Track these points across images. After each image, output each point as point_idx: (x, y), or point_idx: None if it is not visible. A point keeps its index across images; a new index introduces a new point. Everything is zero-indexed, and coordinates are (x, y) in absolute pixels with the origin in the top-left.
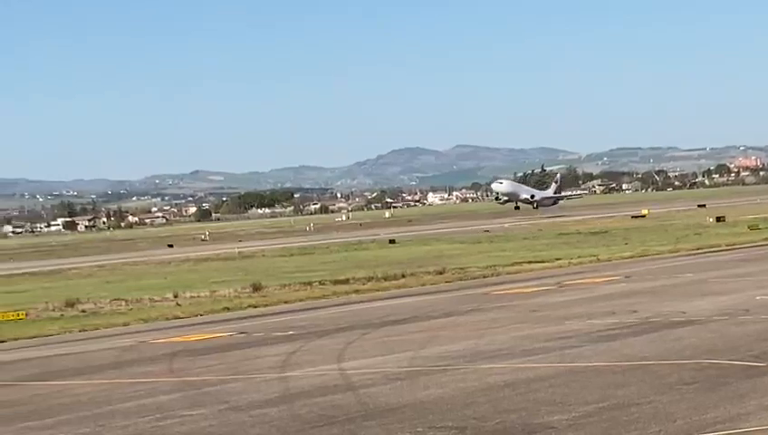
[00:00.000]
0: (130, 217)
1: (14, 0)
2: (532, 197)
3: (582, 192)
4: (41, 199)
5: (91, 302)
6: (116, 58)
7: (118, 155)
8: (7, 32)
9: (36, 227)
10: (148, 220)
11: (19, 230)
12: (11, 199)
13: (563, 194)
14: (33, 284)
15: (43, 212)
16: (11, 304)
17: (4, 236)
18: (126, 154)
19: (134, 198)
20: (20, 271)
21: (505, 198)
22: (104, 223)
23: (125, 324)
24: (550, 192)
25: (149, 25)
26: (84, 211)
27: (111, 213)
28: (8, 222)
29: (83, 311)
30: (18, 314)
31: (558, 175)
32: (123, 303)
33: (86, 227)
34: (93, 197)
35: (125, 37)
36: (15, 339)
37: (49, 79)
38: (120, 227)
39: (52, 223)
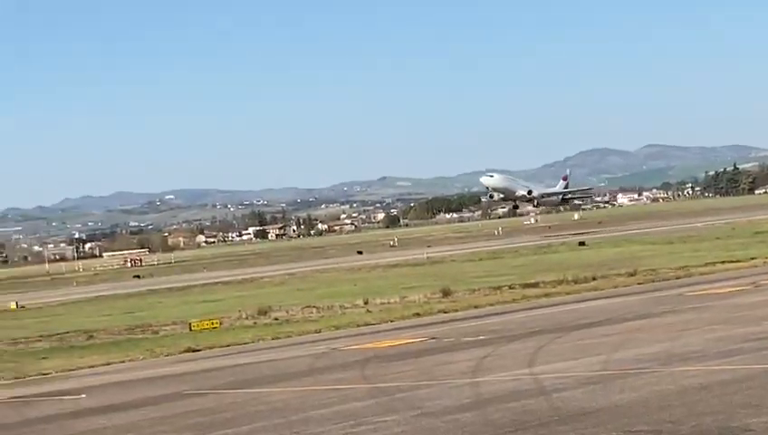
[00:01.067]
0: (320, 225)
1: (214, 9)
2: (530, 193)
3: (587, 188)
4: (232, 209)
5: (283, 310)
6: (302, 66)
7: (306, 163)
8: (203, 44)
9: (228, 237)
10: (337, 227)
11: (212, 240)
12: (203, 210)
13: (565, 191)
14: (226, 293)
15: (234, 222)
16: (206, 313)
17: (198, 245)
18: (314, 162)
19: (323, 206)
20: (213, 280)
21: (500, 196)
22: (294, 231)
23: (317, 331)
24: (558, 188)
25: (334, 32)
26: (274, 220)
27: (301, 221)
28: (201, 232)
29: (276, 319)
30: (213, 323)
31: (568, 171)
32: (315, 310)
33: (277, 235)
34: (283, 205)
35: (314, 44)
36: (210, 347)
37: (239, 90)
38: (309, 234)
39: (244, 232)
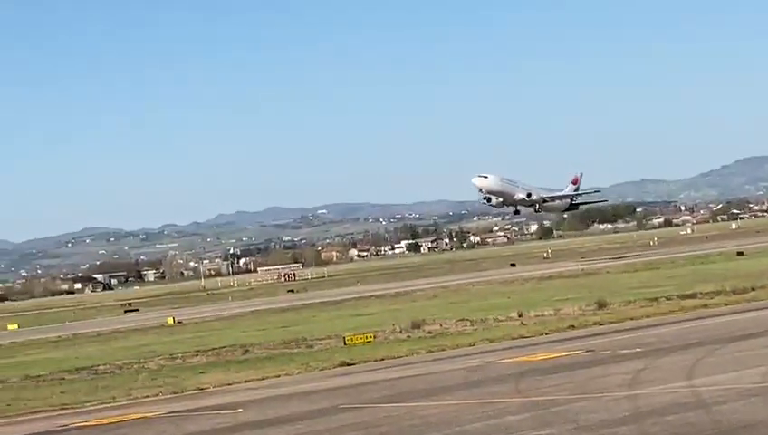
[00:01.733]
0: (472, 237)
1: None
2: (529, 196)
3: (595, 191)
4: (384, 223)
5: (437, 323)
6: (455, 79)
7: (457, 176)
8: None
9: (381, 250)
10: (489, 240)
11: (364, 254)
12: (356, 224)
13: (573, 194)
14: (379, 306)
15: (386, 235)
16: (359, 327)
17: (350, 259)
18: (466, 174)
19: (475, 218)
20: (367, 294)
21: (499, 199)
22: (446, 244)
23: (471, 345)
24: (567, 191)
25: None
26: (426, 233)
27: (453, 234)
28: (353, 246)
29: (429, 332)
30: (367, 337)
31: (579, 173)
32: (468, 323)
33: (429, 248)
34: (435, 218)
35: (461, 58)
36: (365, 361)
37: (391, 105)
38: (461, 247)
39: (396, 245)
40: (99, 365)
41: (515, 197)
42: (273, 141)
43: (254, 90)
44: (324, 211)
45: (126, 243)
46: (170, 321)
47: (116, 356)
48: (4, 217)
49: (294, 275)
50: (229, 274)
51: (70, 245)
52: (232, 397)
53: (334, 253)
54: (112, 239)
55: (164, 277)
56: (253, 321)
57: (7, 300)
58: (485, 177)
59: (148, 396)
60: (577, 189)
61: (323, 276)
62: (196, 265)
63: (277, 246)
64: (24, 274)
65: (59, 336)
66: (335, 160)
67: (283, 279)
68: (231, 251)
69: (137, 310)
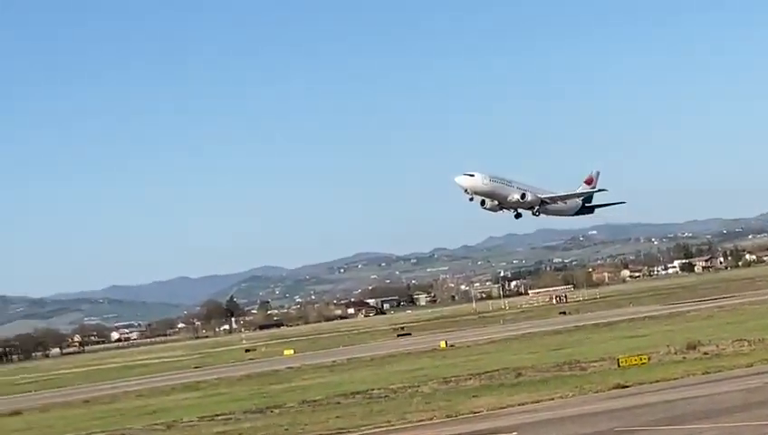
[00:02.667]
0: (747, 256)
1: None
2: (523, 197)
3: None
4: (656, 243)
5: (713, 344)
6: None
7: (731, 193)
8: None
9: (653, 271)
10: (766, 258)
11: (636, 274)
12: (627, 244)
13: (583, 193)
14: (653, 327)
15: (659, 255)
16: (633, 349)
17: (622, 280)
18: (739, 192)
19: (750, 236)
20: (640, 315)
21: (495, 202)
22: (721, 263)
23: (749, 365)
24: (579, 190)
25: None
26: (700, 252)
27: (728, 252)
28: (625, 266)
29: (705, 353)
30: (641, 359)
31: (594, 171)
32: (746, 343)
33: (703, 268)
34: (708, 237)
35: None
36: (639, 383)
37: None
38: (737, 266)
39: (669, 265)
40: (373, 389)
41: (509, 198)
42: (559, 162)
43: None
44: (594, 232)
45: (397, 267)
46: (443, 344)
47: (390, 380)
48: (278, 245)
49: (566, 296)
50: (500, 296)
51: (342, 271)
52: (506, 420)
53: (606, 274)
54: (383, 264)
55: (435, 301)
56: (525, 344)
57: (282, 326)
58: (471, 175)
59: (422, 420)
60: (592, 190)
61: (595, 298)
62: (467, 288)
63: (548, 268)
64: (298, 299)
65: (333, 361)
66: (605, 180)
67: (554, 301)
68: (501, 274)
69: (409, 334)
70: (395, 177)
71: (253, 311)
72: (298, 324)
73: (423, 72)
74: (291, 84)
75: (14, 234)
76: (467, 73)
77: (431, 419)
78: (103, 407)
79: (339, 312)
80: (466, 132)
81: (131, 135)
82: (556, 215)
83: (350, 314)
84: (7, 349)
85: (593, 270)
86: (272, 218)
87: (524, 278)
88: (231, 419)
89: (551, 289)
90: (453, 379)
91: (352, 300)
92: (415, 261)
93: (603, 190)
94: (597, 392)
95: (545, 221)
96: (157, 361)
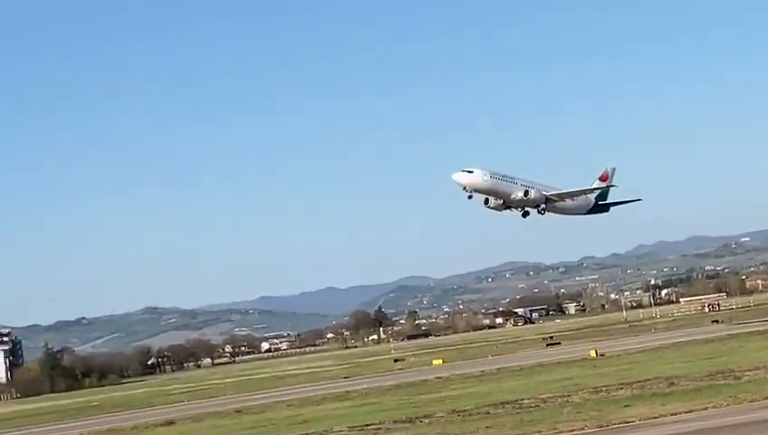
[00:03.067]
0: None
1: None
2: (526, 194)
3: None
4: None
5: None
6: None
7: None
8: None
9: None
10: None
11: None
12: None
13: (584, 189)
14: None
15: None
16: None
17: None
18: None
19: None
20: None
21: (499, 201)
22: None
23: None
24: (594, 185)
25: None
26: None
27: None
28: None
29: None
30: None
31: (609, 167)
32: None
33: None
34: None
35: None
36: None
37: None
38: None
39: None
40: (523, 399)
41: (512, 196)
42: (712, 167)
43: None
44: (747, 239)
45: (546, 276)
46: (593, 354)
47: (539, 390)
48: (426, 254)
49: (718, 305)
50: (651, 305)
51: (490, 280)
52: (659, 430)
53: (759, 281)
54: (532, 273)
55: (584, 310)
56: (676, 353)
57: (430, 335)
58: (470, 172)
59: (573, 430)
60: (607, 187)
61: (748, 306)
62: (617, 296)
63: (700, 276)
64: (445, 309)
65: (482, 371)
66: (757, 186)
67: (706, 309)
68: (652, 282)
69: (558, 343)
70: None
71: (401, 321)
72: (446, 334)
73: None
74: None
75: (167, 247)
76: None
77: (582, 429)
78: (254, 417)
79: (487, 321)
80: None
81: (281, 148)
82: (566, 214)
83: (499, 324)
84: (160, 359)
85: (746, 278)
86: (419, 228)
87: (676, 286)
88: (381, 428)
89: (703, 297)
90: (604, 388)
91: (500, 309)
92: (563, 270)
93: (613, 186)
94: (752, 401)
95: (696, 227)
96: (306, 371)
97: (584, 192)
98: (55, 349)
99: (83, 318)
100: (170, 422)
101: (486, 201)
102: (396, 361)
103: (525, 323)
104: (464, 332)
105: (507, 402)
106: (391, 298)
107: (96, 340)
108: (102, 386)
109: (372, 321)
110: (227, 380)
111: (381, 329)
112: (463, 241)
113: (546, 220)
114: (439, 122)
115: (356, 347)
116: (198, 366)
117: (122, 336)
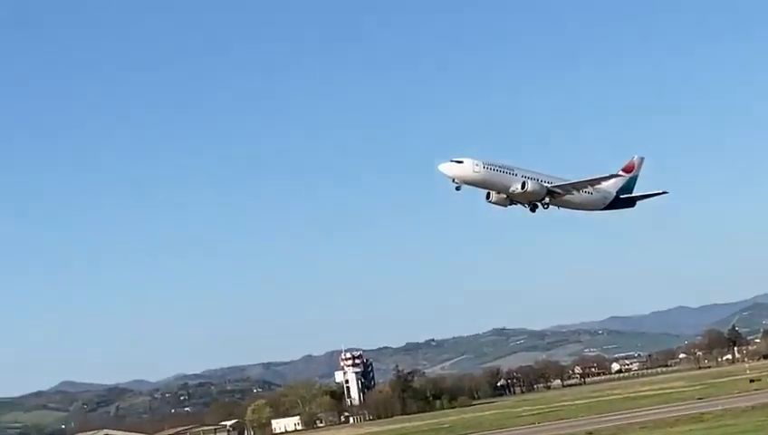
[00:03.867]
0: None
1: None
2: (524, 186)
3: (617, 176)
4: None
5: None
6: None
7: None
8: None
9: None
10: None
11: None
12: None
13: (598, 177)
14: None
15: None
16: None
17: None
18: None
19: None
20: None
21: (501, 195)
22: None
23: None
24: (609, 176)
25: None
26: None
27: None
28: None
29: None
30: None
31: (639, 157)
32: None
33: None
34: None
35: None
36: None
37: None
38: None
39: None
40: None
41: (511, 188)
42: None
43: None
44: None
45: None
46: None
47: None
48: None
49: None
50: None
51: None
52: None
53: None
54: None
55: None
56: None
57: None
58: (460, 162)
59: None
60: (633, 179)
61: None
62: None
63: None
64: None
65: None
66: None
67: None
68: None
69: None
70: None
71: (756, 340)
72: None
73: None
74: None
75: (514, 269)
76: None
77: None
78: None
79: None
80: None
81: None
82: (579, 209)
83: None
84: (510, 381)
85: None
86: None
87: None
88: None
89: None
90: None
91: None
92: None
93: (618, 175)
94: None
95: None
96: (659, 392)
97: (590, 182)
98: (405, 371)
99: (432, 340)
100: None
101: (488, 196)
102: (752, 381)
103: None
104: None
105: None
106: (745, 317)
107: (445, 362)
108: (453, 407)
109: (726, 340)
110: (578, 401)
111: (735, 348)
112: None
113: None
114: None
115: (709, 367)
116: (548, 387)
117: (471, 358)
